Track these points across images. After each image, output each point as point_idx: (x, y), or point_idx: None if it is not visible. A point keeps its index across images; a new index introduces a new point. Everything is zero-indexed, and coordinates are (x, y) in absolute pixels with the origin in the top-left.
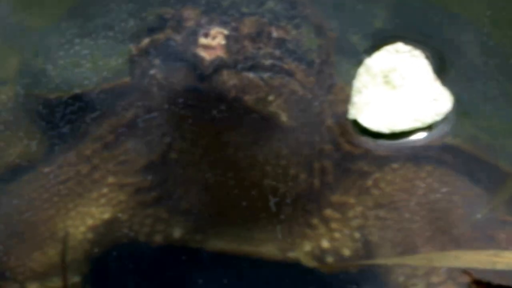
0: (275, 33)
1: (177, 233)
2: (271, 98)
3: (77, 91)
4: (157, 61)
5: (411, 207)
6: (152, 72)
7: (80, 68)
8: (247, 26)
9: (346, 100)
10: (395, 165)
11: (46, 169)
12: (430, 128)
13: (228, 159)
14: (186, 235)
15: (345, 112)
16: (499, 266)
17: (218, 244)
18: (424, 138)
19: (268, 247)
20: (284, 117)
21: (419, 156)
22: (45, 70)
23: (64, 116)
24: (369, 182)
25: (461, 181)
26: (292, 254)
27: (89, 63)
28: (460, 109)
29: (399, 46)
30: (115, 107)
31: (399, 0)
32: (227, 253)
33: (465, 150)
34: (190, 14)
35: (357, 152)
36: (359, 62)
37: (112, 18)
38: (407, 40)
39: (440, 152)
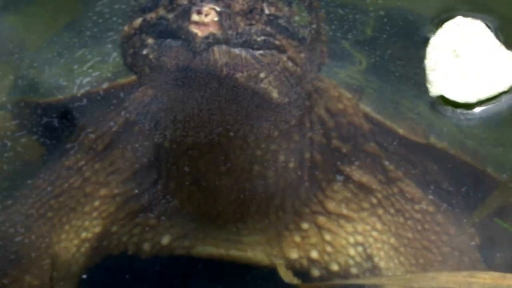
0: (267, 10)
1: (165, 240)
2: (262, 75)
3: (69, 96)
4: (150, 40)
5: (411, 227)
6: (144, 51)
7: (72, 75)
8: (239, 3)
9: (338, 98)
10: (400, 184)
11: (41, 183)
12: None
13: (219, 144)
14: (174, 242)
15: (336, 106)
16: (475, 287)
17: (207, 249)
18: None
19: (256, 252)
20: (275, 93)
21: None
22: (38, 79)
23: (55, 124)
24: (374, 200)
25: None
26: (278, 261)
27: (81, 70)
28: None
29: (459, 19)
30: (107, 114)
31: None
32: (215, 259)
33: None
34: None
35: (346, 149)
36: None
37: (105, 29)
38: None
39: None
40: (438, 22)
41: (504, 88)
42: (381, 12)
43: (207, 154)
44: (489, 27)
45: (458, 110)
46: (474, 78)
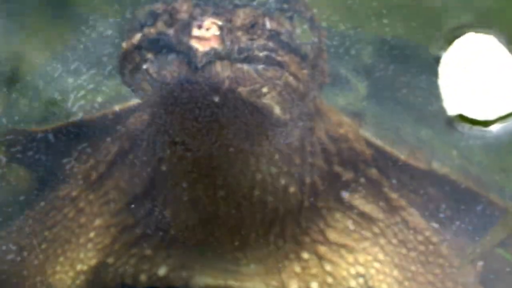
0: (268, 25)
1: (162, 271)
2: (265, 90)
3: (62, 124)
4: (149, 55)
5: (414, 259)
6: (144, 66)
7: (66, 102)
8: (241, 17)
9: (339, 123)
10: (403, 213)
11: (34, 214)
12: None
13: (219, 166)
14: (171, 273)
15: (336, 131)
16: None
17: (205, 280)
18: None
19: (255, 283)
20: (277, 109)
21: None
22: (30, 107)
23: (49, 153)
24: (376, 230)
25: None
26: None
27: (75, 97)
28: None
29: (470, 36)
30: (101, 141)
31: None
32: None
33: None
34: (182, 7)
35: (347, 175)
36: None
37: (98, 54)
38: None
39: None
40: (449, 40)
41: None
42: (385, 37)
43: (206, 178)
44: (501, 43)
45: (476, 128)
46: (490, 94)
